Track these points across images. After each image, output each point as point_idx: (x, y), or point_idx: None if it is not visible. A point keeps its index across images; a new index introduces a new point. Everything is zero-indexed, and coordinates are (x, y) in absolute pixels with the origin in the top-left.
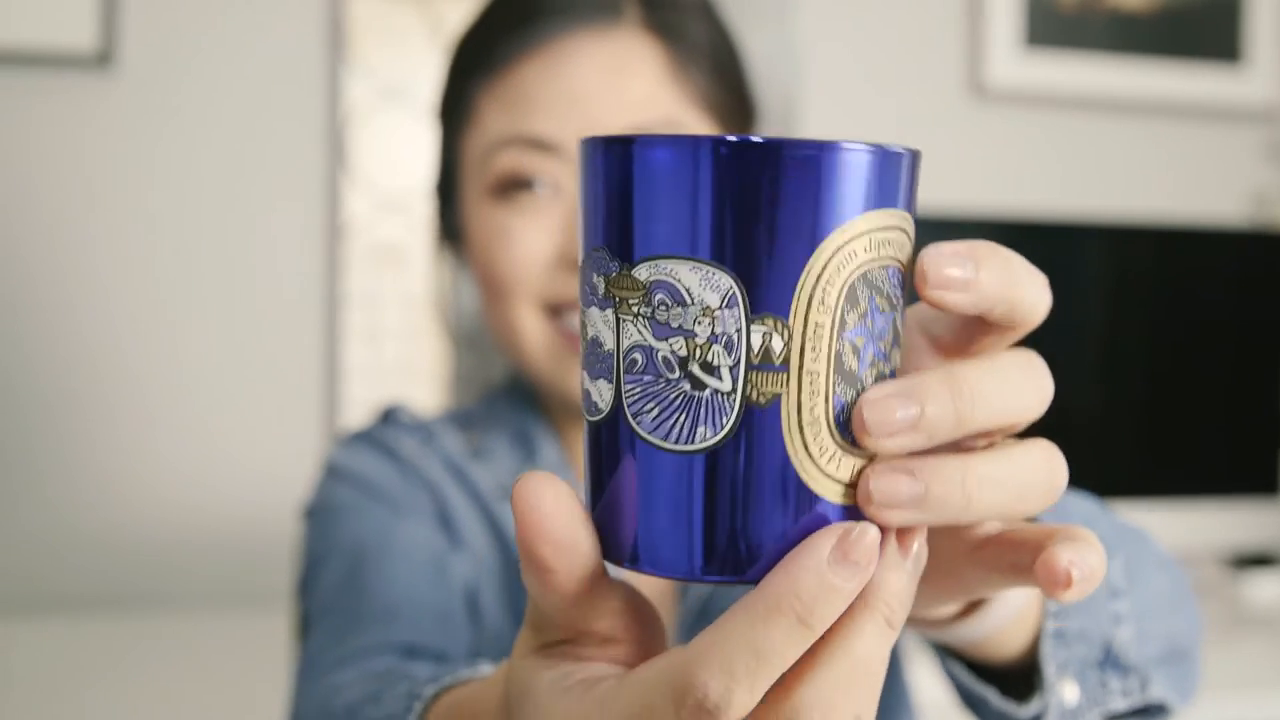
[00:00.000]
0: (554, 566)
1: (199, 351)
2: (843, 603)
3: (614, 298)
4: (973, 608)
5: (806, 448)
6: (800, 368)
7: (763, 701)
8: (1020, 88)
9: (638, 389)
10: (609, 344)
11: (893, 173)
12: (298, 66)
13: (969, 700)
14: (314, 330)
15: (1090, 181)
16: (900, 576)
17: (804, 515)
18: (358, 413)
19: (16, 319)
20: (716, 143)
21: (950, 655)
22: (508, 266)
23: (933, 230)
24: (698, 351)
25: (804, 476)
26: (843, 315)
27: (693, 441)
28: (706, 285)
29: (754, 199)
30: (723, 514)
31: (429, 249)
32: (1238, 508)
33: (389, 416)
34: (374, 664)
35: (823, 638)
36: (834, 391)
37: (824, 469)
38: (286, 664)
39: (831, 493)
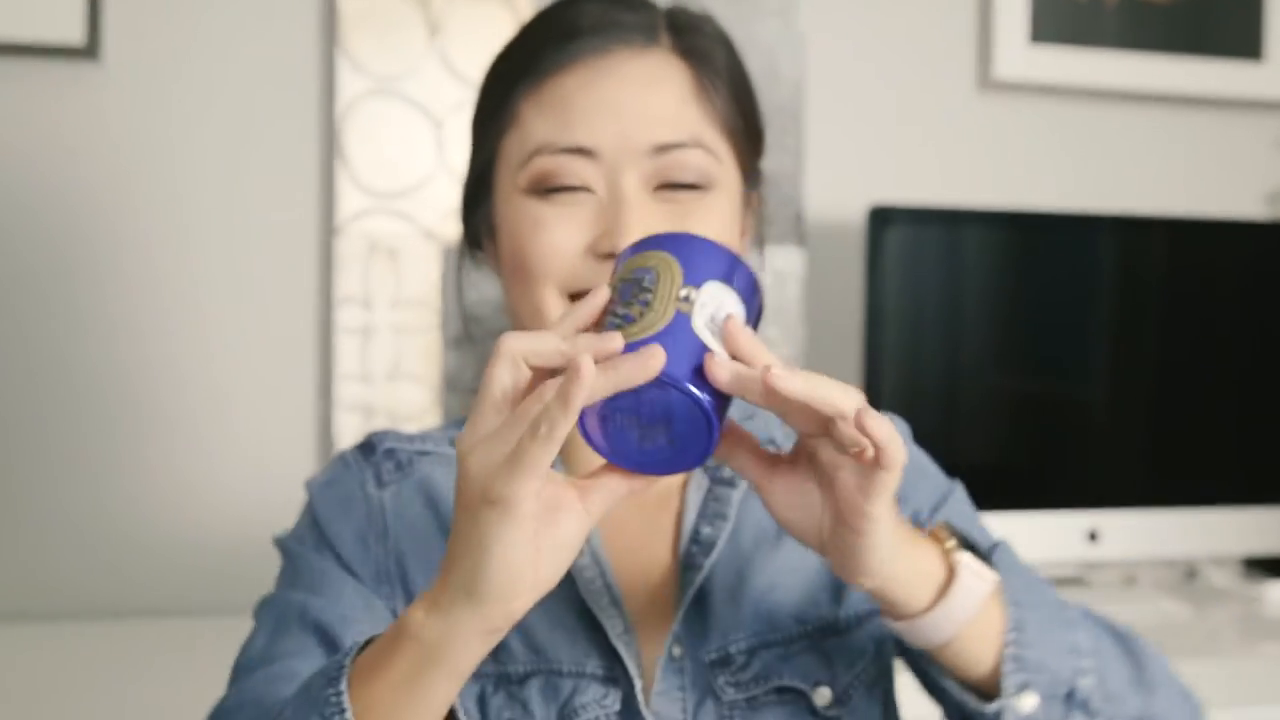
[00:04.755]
0: None
1: (190, 348)
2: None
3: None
4: (934, 602)
5: None
6: None
7: None
8: (1030, 80)
9: None
10: None
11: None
12: (292, 61)
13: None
14: (308, 328)
15: (1102, 175)
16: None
17: None
18: (352, 411)
19: (1, 314)
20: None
21: (934, 665)
22: (539, 252)
23: (943, 223)
24: None
25: None
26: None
27: None
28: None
29: None
30: None
31: (424, 248)
32: (1254, 513)
33: (369, 444)
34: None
35: None
36: None
37: None
38: None
39: None
